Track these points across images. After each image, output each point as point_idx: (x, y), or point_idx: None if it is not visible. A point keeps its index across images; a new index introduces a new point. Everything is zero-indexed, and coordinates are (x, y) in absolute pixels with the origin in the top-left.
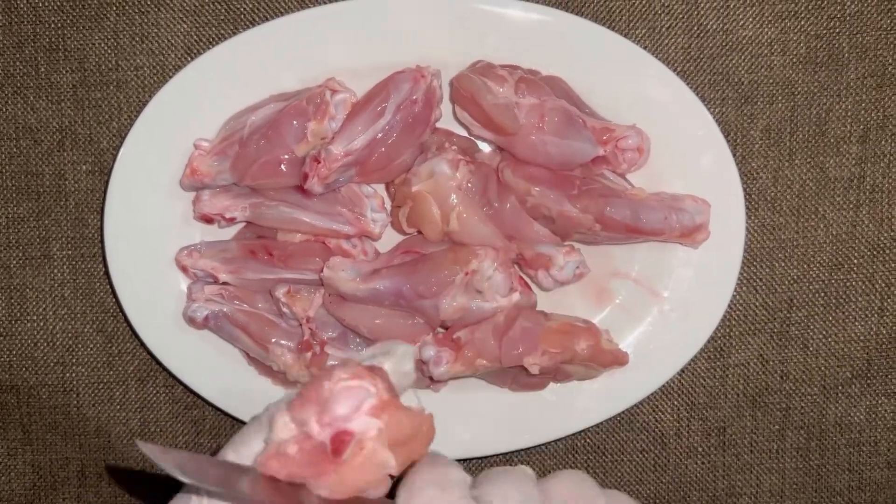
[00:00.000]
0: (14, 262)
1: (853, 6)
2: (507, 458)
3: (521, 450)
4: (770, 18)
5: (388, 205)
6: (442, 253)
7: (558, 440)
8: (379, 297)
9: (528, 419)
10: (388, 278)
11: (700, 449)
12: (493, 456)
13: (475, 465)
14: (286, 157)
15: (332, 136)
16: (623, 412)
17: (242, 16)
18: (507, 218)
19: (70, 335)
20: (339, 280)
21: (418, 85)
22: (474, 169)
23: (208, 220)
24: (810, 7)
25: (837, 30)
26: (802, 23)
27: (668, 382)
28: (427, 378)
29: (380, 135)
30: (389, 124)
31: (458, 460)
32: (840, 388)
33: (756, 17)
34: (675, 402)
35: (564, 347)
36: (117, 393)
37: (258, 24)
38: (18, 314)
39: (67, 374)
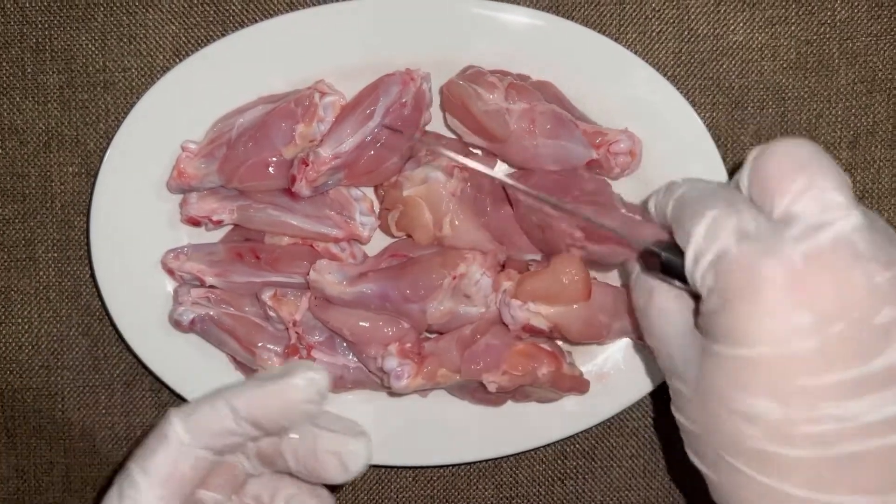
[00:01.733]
0: None
1: (843, 12)
2: (495, 464)
3: (507, 456)
4: (760, 24)
5: (377, 208)
6: (430, 257)
7: (546, 446)
8: (365, 300)
9: (513, 426)
10: (375, 282)
11: None
12: (477, 462)
13: (461, 471)
14: (274, 159)
15: (321, 139)
16: (613, 417)
17: (231, 17)
18: (500, 225)
19: (55, 338)
20: (325, 283)
21: (408, 88)
22: (468, 176)
23: (195, 222)
24: (801, 13)
25: (827, 35)
26: (793, 28)
27: (659, 386)
28: (386, 388)
29: (368, 137)
30: (379, 127)
31: (439, 467)
32: None
33: (747, 23)
34: (666, 407)
35: (526, 371)
36: (103, 397)
37: (247, 25)
38: (3, 317)
39: (52, 378)
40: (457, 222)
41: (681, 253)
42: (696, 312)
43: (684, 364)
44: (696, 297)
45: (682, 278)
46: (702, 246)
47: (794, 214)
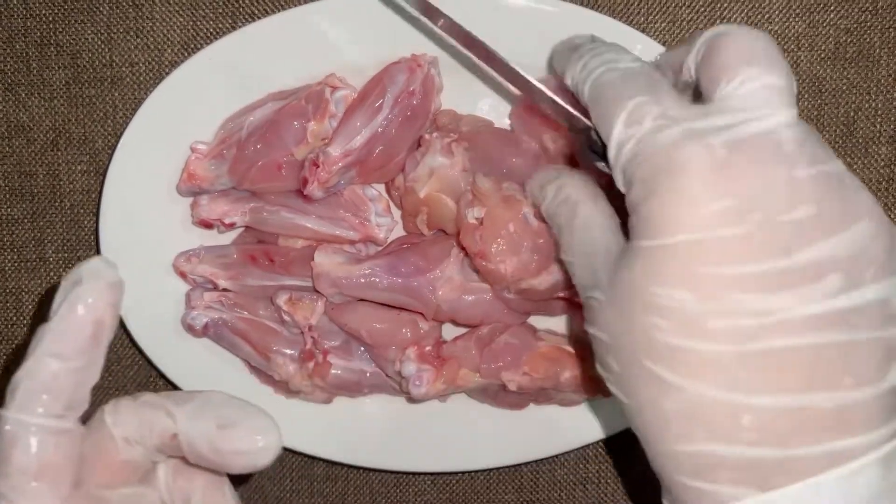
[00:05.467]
0: (9, 265)
1: None
2: (515, 468)
3: (530, 462)
4: (798, 11)
5: (392, 208)
6: (437, 234)
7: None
8: (374, 277)
9: (537, 430)
10: (383, 257)
11: None
12: (498, 469)
13: (480, 475)
14: (285, 159)
15: (331, 137)
16: None
17: (241, 9)
18: (521, 164)
19: None
20: (330, 264)
21: (415, 75)
22: (468, 145)
23: (207, 225)
24: (840, 0)
25: (868, 24)
26: (832, 16)
27: None
28: (405, 393)
29: (379, 130)
30: (388, 119)
31: (457, 473)
32: None
33: (783, 10)
34: None
35: (547, 374)
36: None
37: (258, 18)
38: (14, 318)
39: None
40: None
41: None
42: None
43: (607, 274)
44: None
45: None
46: (623, 135)
47: (728, 105)
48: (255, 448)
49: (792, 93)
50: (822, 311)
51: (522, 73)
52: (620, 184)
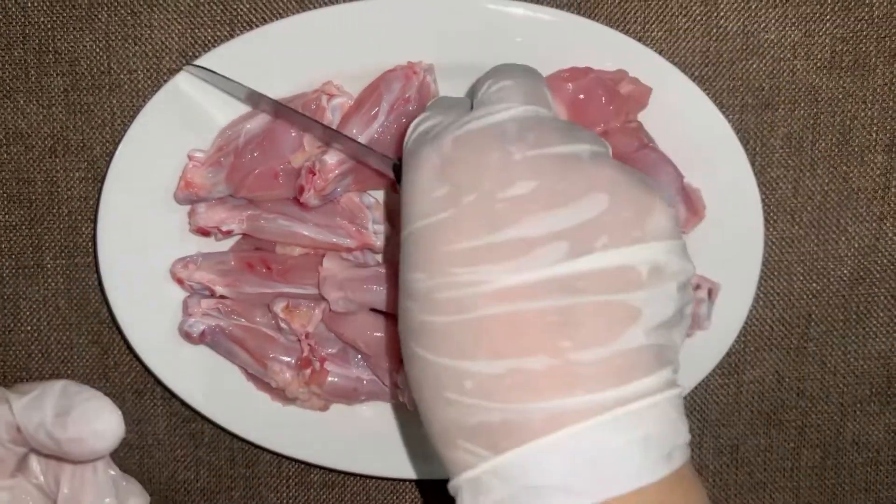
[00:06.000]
0: (6, 271)
1: (882, 8)
2: None
3: None
4: (794, 20)
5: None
6: None
7: None
8: (380, 279)
9: None
10: (390, 260)
11: (712, 467)
12: None
13: None
14: (282, 167)
15: (327, 145)
16: None
17: (239, 17)
18: None
19: (65, 346)
20: (338, 267)
21: (410, 82)
22: None
23: (205, 232)
24: (836, 9)
25: (865, 33)
26: (828, 25)
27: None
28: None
29: (375, 137)
30: (383, 126)
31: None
32: (858, 405)
33: (779, 19)
34: (688, 419)
35: None
36: None
37: (256, 26)
38: (11, 325)
39: None
40: None
41: None
42: None
43: None
44: None
45: None
46: (406, 142)
47: (478, 106)
48: (90, 434)
49: (528, 91)
50: (537, 278)
51: (337, 130)
52: None
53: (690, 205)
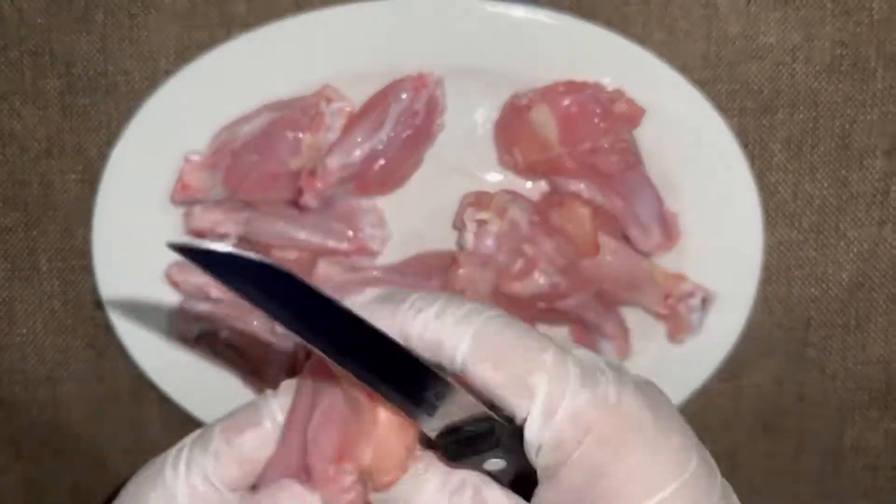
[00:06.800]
0: (1, 273)
1: (882, 12)
2: None
3: None
4: (794, 24)
5: (386, 220)
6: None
7: None
8: (376, 282)
9: None
10: (387, 265)
11: None
12: None
13: None
14: (280, 170)
15: (329, 149)
16: None
17: (236, 19)
18: None
19: (60, 350)
20: (334, 270)
21: (420, 94)
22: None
23: (200, 235)
24: (837, 12)
25: (865, 37)
26: (828, 29)
27: (678, 404)
28: None
29: (380, 147)
30: (389, 136)
31: None
32: (857, 411)
33: (779, 23)
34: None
35: None
36: (109, 409)
37: (252, 27)
38: (7, 328)
39: (58, 390)
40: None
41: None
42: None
43: None
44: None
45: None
46: (553, 393)
47: None
48: None
49: None
50: None
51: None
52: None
53: (666, 230)
